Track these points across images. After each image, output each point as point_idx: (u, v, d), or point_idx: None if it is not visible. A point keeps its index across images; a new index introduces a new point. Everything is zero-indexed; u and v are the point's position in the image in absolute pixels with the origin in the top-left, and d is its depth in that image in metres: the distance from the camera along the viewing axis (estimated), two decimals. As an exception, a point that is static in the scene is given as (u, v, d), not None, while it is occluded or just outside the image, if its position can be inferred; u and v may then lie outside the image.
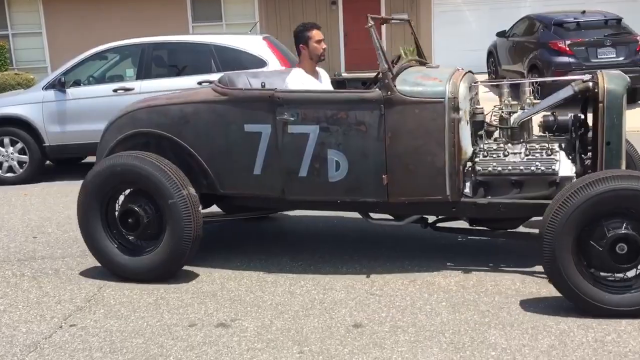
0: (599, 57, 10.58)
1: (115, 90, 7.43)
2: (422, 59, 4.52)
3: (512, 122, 3.89)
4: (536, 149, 3.82)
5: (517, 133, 3.89)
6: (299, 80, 4.20)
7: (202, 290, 3.85)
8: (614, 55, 10.59)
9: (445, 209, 3.85)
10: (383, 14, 17.11)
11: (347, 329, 3.28)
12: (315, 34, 4.24)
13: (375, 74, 4.29)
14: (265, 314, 3.49)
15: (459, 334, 3.16)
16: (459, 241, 4.51)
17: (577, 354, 2.91)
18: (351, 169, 3.75)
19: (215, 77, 7.46)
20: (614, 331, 3.10)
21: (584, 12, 11.72)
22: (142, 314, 3.56)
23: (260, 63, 7.48)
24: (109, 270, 4.07)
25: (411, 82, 3.74)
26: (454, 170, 3.68)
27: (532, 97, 3.98)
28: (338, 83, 4.68)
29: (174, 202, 3.78)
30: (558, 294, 3.50)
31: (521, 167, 3.76)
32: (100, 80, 7.78)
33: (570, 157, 3.82)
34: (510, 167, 3.77)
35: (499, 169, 3.78)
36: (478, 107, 3.93)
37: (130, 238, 4.08)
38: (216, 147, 3.97)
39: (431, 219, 4.08)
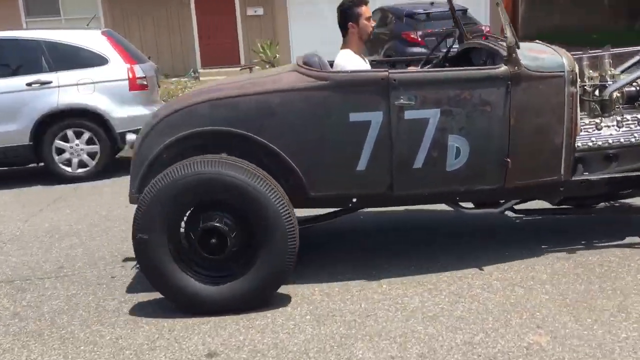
0: (448, 46, 10.93)
1: None
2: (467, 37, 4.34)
3: (605, 94, 3.78)
4: (628, 120, 3.74)
5: (608, 105, 3.78)
6: (353, 62, 3.71)
7: (26, 330, 3.24)
8: (463, 45, 10.98)
9: (554, 190, 3.64)
10: (237, 8, 16.69)
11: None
12: (366, 10, 3.82)
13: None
14: (102, 353, 2.98)
15: (324, 352, 2.86)
16: (316, 239, 4.25)
17: (448, 361, 2.73)
18: (472, 155, 3.42)
19: (47, 77, 6.74)
20: (481, 330, 2.96)
21: (432, 3, 12.10)
22: (-55, 370, 2.91)
23: (100, 60, 6.83)
24: (180, 307, 3.30)
25: (529, 57, 3.49)
26: (570, 148, 3.53)
27: (612, 69, 3.92)
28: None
29: (277, 213, 3.14)
30: (396, 292, 3.33)
31: (621, 139, 3.70)
32: None
33: None
34: (610, 140, 3.70)
35: (599, 143, 3.69)
36: None
37: (207, 262, 3.31)
38: (308, 143, 3.39)
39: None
